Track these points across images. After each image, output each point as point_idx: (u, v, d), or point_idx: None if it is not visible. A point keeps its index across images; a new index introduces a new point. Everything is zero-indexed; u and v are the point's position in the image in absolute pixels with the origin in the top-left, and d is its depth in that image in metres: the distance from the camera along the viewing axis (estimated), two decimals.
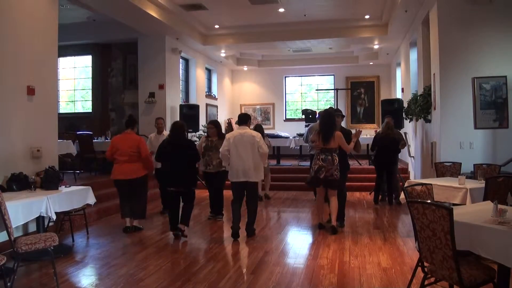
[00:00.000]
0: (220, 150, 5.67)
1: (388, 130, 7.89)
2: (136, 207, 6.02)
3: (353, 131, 6.19)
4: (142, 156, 5.94)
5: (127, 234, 5.89)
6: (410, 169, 9.99)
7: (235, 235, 5.55)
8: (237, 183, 5.59)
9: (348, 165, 6.32)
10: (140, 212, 6.10)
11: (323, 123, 5.84)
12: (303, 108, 13.57)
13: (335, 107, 11.02)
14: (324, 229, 5.91)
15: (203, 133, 10.98)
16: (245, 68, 14.90)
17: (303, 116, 12.23)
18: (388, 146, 7.81)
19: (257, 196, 5.89)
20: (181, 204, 5.78)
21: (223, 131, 6.94)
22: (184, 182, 5.60)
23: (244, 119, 5.80)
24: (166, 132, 7.41)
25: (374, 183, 8.23)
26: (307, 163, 9.86)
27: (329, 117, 5.84)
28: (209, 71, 13.81)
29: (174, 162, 5.56)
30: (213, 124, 6.82)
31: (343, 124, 6.75)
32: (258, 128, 8.13)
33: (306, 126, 11.00)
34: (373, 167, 8.73)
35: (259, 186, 8.47)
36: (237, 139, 5.53)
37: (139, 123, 10.16)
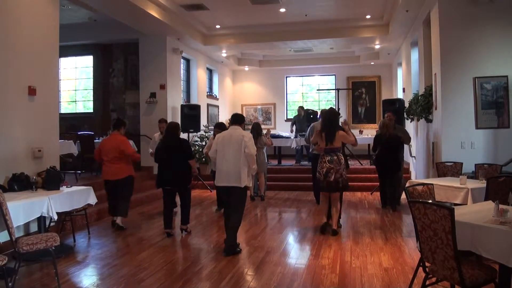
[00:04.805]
0: (209, 152, 5.30)
1: (386, 131, 7.27)
2: (118, 206, 6.15)
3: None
4: (127, 155, 6.10)
5: (128, 234, 5.91)
6: (411, 169, 9.97)
7: (227, 251, 4.88)
8: (221, 188, 5.04)
9: (348, 165, 6.29)
10: (122, 210, 6.17)
11: (326, 122, 5.69)
12: (305, 108, 13.54)
13: (337, 107, 11.04)
14: (325, 232, 5.74)
15: (204, 133, 10.99)
16: (246, 68, 14.89)
17: None
18: (391, 146, 7.27)
19: (241, 207, 5.06)
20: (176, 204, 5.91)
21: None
22: (177, 181, 5.75)
23: (237, 118, 5.21)
24: None
25: (375, 183, 8.18)
26: (307, 163, 9.89)
27: (331, 115, 5.71)
28: (210, 71, 13.81)
29: (167, 162, 5.71)
30: (219, 127, 6.94)
31: None
32: (255, 127, 8.26)
33: (306, 126, 10.99)
34: (374, 166, 8.62)
35: (250, 191, 8.30)
36: (226, 139, 4.99)
37: (140, 123, 10.20)
